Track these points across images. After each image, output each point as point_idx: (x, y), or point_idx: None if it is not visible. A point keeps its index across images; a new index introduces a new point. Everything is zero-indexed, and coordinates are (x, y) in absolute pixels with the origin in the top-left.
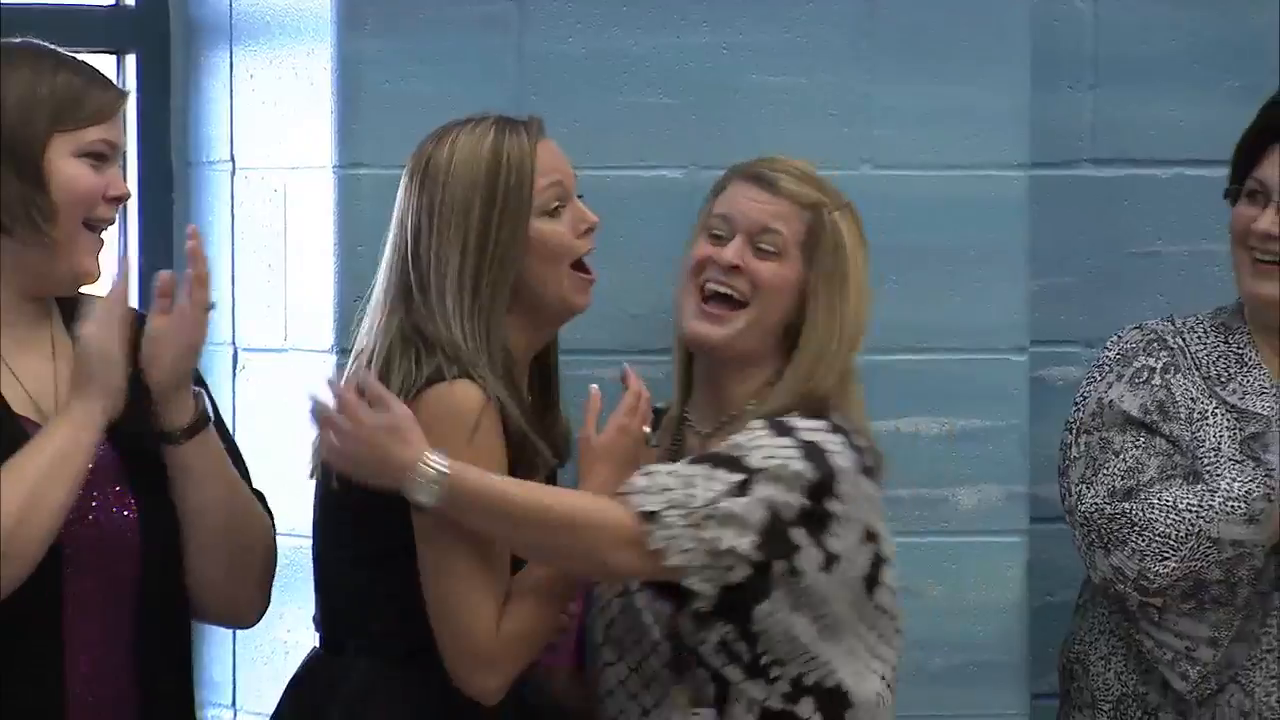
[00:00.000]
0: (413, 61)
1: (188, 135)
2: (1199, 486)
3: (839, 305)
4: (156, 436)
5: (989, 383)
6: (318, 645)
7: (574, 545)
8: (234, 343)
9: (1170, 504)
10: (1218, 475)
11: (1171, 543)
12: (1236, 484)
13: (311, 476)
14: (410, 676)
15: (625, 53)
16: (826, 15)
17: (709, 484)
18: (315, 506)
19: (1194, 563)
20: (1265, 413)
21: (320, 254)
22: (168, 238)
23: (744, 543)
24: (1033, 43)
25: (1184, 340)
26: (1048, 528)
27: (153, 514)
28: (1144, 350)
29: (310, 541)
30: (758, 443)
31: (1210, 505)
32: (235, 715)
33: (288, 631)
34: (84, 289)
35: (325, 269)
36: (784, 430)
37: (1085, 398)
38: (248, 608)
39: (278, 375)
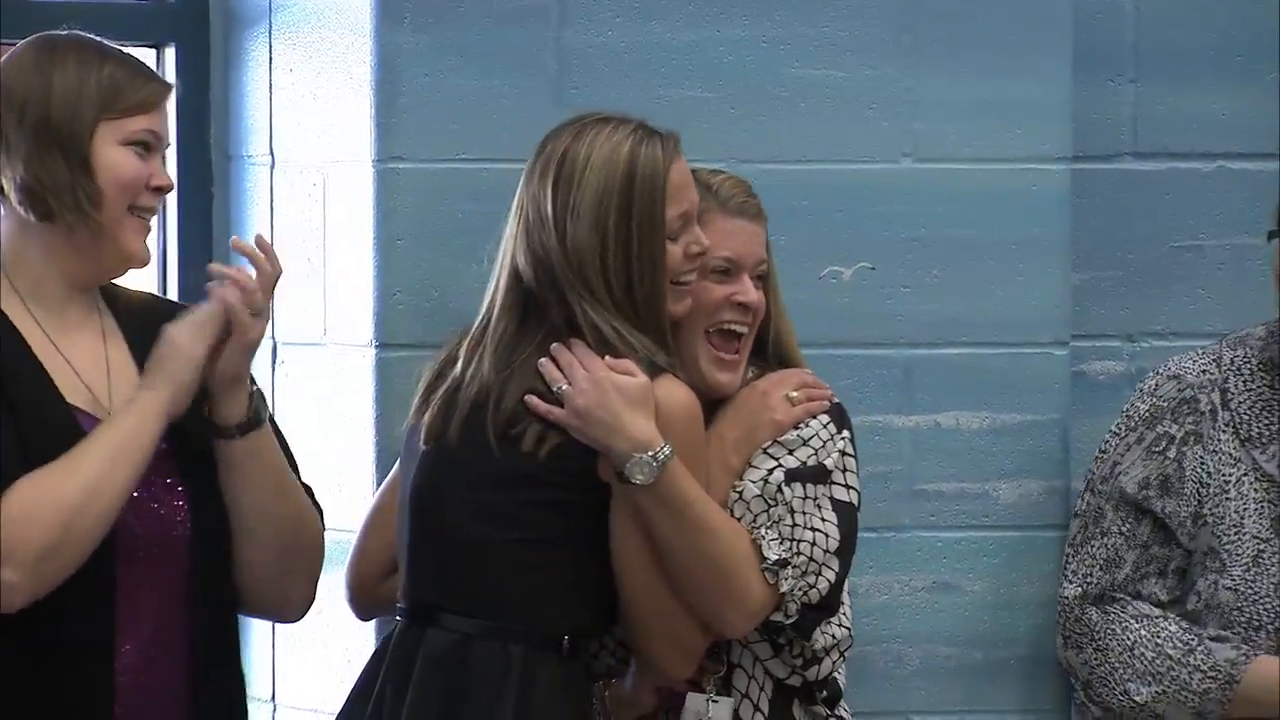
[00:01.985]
0: (452, 55)
1: (227, 129)
2: (1163, 638)
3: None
4: (210, 431)
5: (1030, 377)
6: (414, 624)
7: (715, 585)
8: (273, 337)
9: (1130, 644)
10: (1192, 649)
11: (1118, 675)
12: (1196, 676)
13: (427, 443)
14: (571, 666)
15: (664, 46)
16: (867, 8)
17: (804, 505)
18: (446, 480)
19: (1133, 714)
20: None
21: (359, 248)
22: (207, 231)
23: (830, 552)
24: (1074, 36)
25: (1223, 396)
26: None
27: (202, 504)
28: (1171, 414)
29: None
30: (813, 432)
31: (1164, 689)
32: (275, 709)
33: (327, 625)
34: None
35: (364, 263)
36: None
37: (1106, 452)
38: (295, 603)
39: (317, 369)
